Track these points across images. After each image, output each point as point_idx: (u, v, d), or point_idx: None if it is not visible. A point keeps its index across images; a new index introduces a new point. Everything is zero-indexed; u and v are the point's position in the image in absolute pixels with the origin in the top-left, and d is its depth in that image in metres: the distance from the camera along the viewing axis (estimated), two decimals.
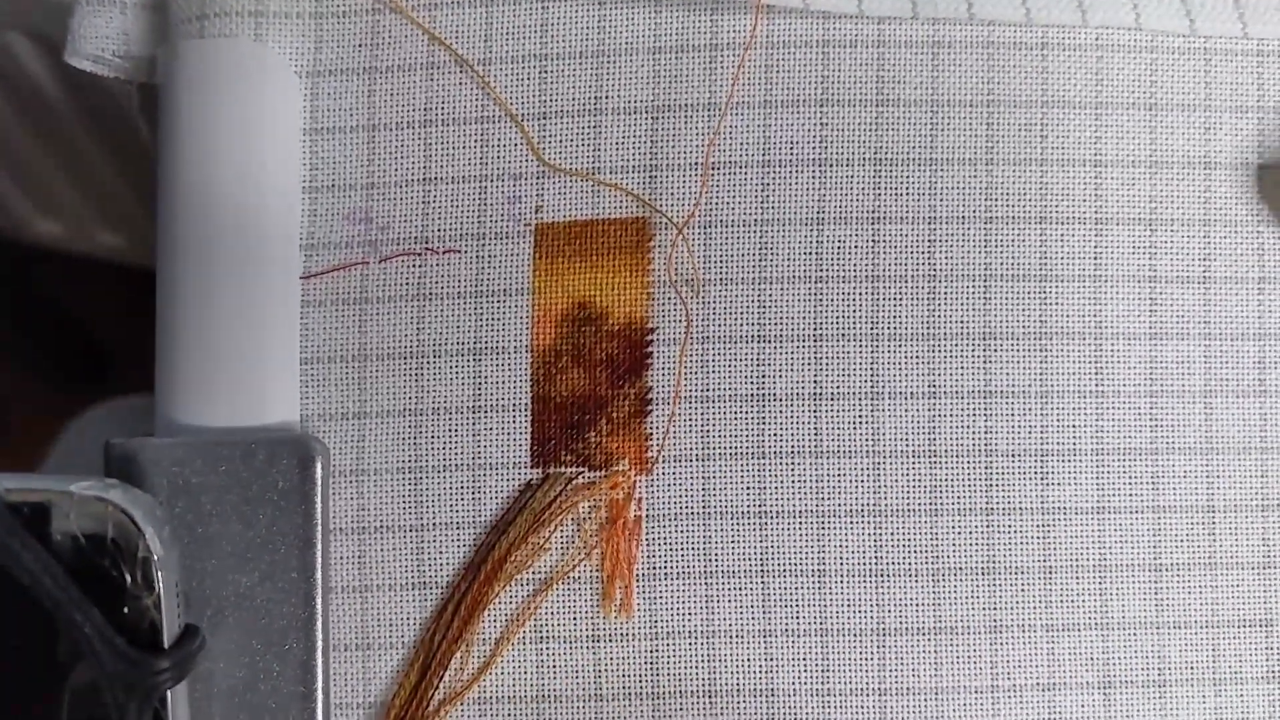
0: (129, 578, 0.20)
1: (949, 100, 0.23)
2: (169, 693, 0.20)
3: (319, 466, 0.22)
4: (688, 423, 0.23)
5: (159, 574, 0.20)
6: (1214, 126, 0.24)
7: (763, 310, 0.23)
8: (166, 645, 0.20)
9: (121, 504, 0.20)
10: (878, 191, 0.23)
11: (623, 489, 0.23)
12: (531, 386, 0.23)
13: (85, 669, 0.20)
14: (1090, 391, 0.23)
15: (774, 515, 0.23)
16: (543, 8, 0.23)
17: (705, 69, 0.23)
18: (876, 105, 0.23)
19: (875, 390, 0.23)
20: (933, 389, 0.23)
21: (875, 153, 0.23)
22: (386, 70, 0.23)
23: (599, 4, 0.23)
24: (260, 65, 0.23)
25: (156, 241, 0.23)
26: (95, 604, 0.20)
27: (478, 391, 0.23)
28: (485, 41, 0.23)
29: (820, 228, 0.23)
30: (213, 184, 0.22)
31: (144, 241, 0.95)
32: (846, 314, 0.23)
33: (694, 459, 0.23)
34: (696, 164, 0.23)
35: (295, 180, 0.23)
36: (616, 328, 0.23)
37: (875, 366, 0.23)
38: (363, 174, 0.23)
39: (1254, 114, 0.24)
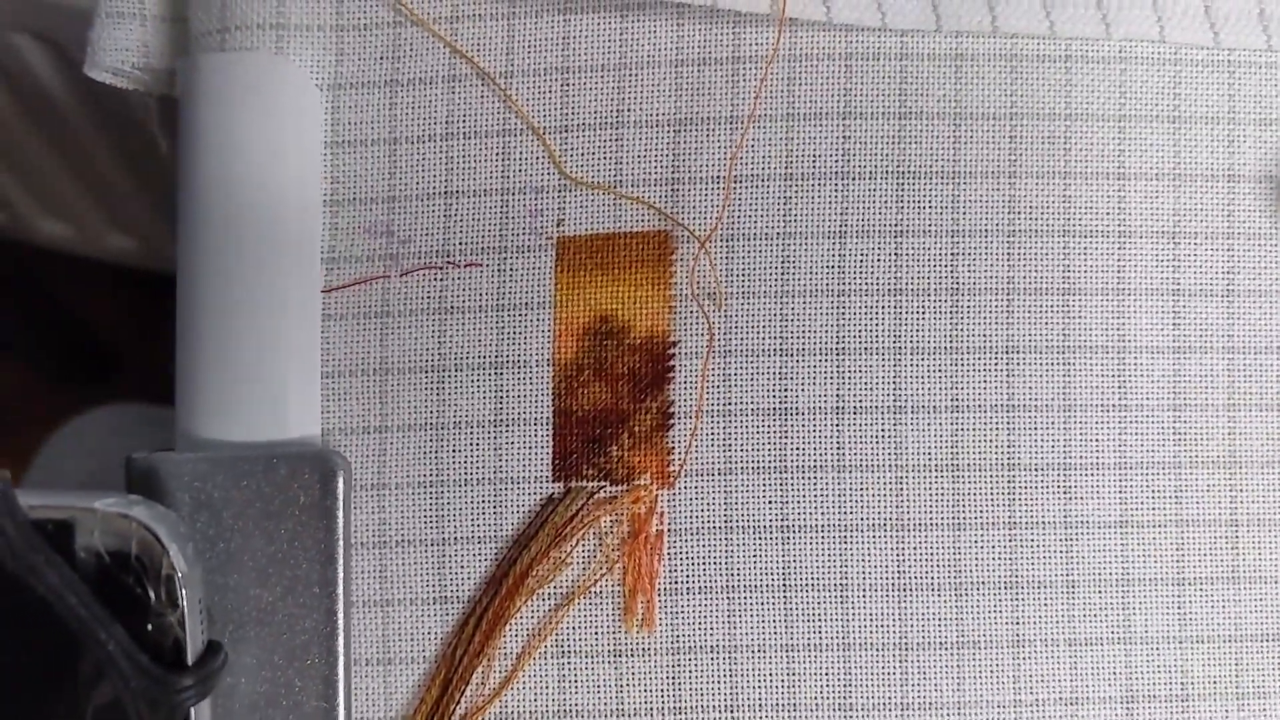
0: (153, 595, 0.20)
1: (972, 113, 0.23)
2: (192, 710, 0.20)
3: (340, 481, 0.22)
4: (710, 437, 0.23)
5: (183, 591, 0.20)
6: (1238, 139, 0.24)
7: (785, 324, 0.23)
8: (190, 662, 0.20)
9: (145, 521, 0.20)
10: (900, 205, 0.23)
11: (645, 503, 0.23)
12: (553, 400, 0.23)
13: (109, 687, 0.20)
14: (1113, 406, 0.23)
15: (796, 530, 0.23)
16: (564, 21, 0.23)
17: (728, 82, 0.23)
18: (899, 118, 0.23)
19: (898, 404, 0.23)
20: (955, 403, 0.23)
21: (898, 166, 0.23)
22: (408, 83, 0.23)
23: (621, 17, 0.23)
24: (281, 78, 0.23)
25: (177, 255, 0.23)
26: (119, 621, 0.19)
27: (499, 405, 0.23)
28: (507, 54, 0.23)
29: (843, 241, 0.23)
30: (233, 197, 0.22)
31: (151, 244, 0.95)
32: (869, 328, 0.23)
33: (716, 473, 0.23)
34: (719, 177, 0.23)
35: (316, 194, 0.23)
36: (638, 341, 0.23)
37: (898, 380, 0.23)
38: (384, 187, 0.23)
39: (1278, 127, 0.24)
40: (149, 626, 0.20)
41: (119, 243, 0.94)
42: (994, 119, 0.23)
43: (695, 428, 0.23)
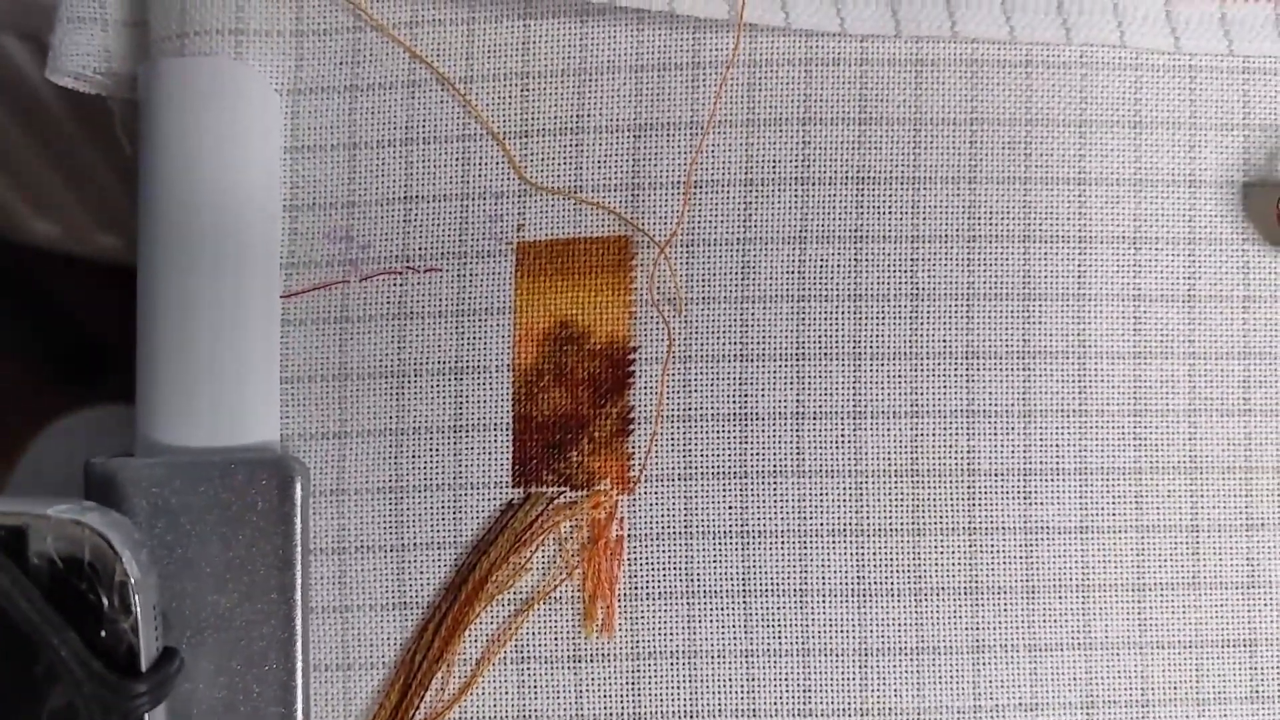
0: (106, 601, 0.20)
1: (932, 118, 0.23)
2: (146, 716, 0.20)
3: (298, 487, 0.22)
4: (670, 442, 0.23)
5: (136, 597, 0.20)
6: (1199, 144, 0.24)
7: (745, 329, 0.23)
8: (144, 668, 0.20)
9: (98, 527, 0.20)
10: (860, 210, 0.23)
11: (604, 508, 0.23)
12: (513, 406, 0.23)
13: (62, 692, 0.20)
14: (1074, 410, 0.23)
15: (756, 535, 0.23)
16: (524, 26, 0.23)
17: (688, 87, 0.23)
18: (859, 123, 0.23)
19: (858, 409, 0.23)
20: (915, 408, 0.23)
21: (858, 171, 0.23)
22: (368, 88, 0.23)
23: (580, 22, 0.23)
24: (241, 83, 0.23)
25: (138, 258, 0.23)
26: (72, 627, 0.19)
27: (458, 411, 0.23)
28: (467, 59, 0.23)
29: (803, 246, 0.23)
30: (193, 202, 0.22)
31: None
32: (829, 333, 0.23)
33: (676, 478, 0.23)
34: (679, 182, 0.23)
35: (276, 198, 0.23)
36: (598, 347, 0.23)
37: (858, 385, 0.23)
38: (344, 192, 0.23)
39: (1239, 131, 0.24)
40: (102, 633, 0.20)
41: (108, 241, 0.94)
42: (954, 124, 0.23)
43: (655, 433, 0.23)
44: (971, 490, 0.23)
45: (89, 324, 1.04)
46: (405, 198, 0.23)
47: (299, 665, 0.22)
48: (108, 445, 0.51)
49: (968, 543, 0.23)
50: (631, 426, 0.23)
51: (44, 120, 0.79)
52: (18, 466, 0.55)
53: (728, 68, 0.23)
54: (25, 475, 0.56)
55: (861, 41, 0.23)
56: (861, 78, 0.23)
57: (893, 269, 0.23)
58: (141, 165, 0.23)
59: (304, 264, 0.23)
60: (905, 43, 0.23)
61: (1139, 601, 0.23)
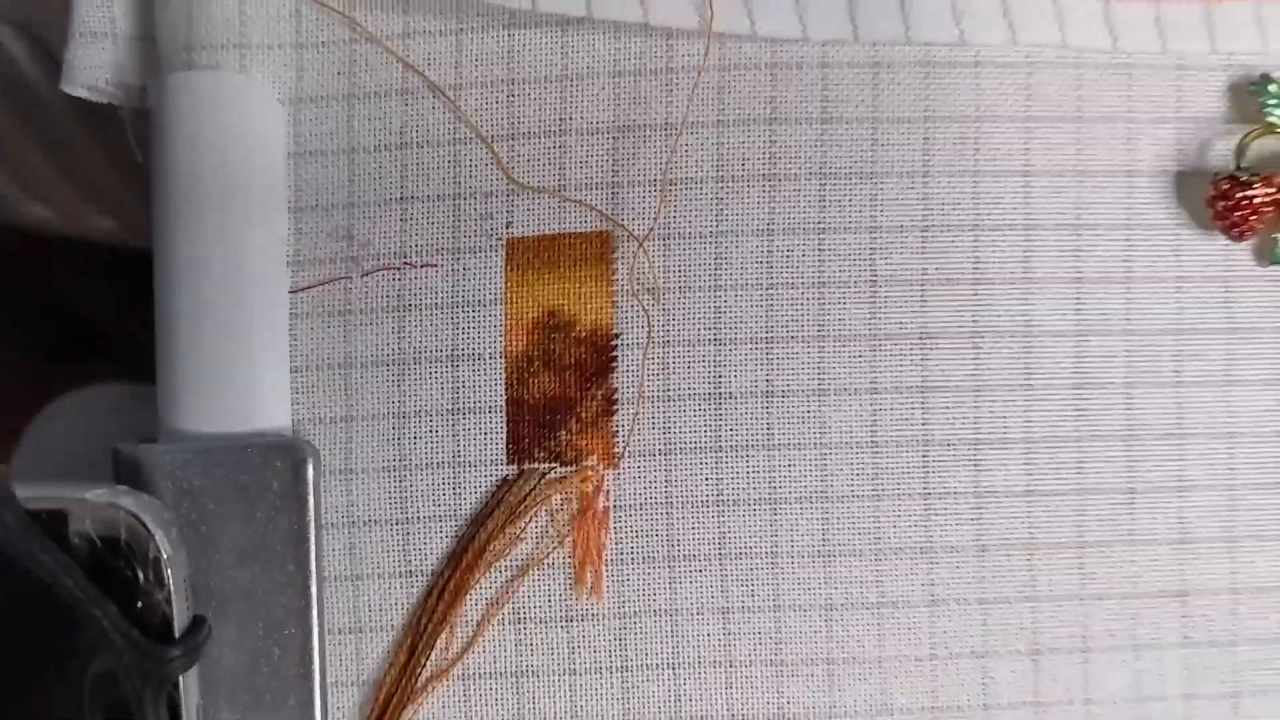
0: (141, 575, 0.22)
1: (889, 117, 0.25)
2: (181, 677, 0.22)
3: (310, 467, 0.24)
4: (651, 420, 0.25)
5: (168, 571, 0.22)
6: (1136, 137, 0.26)
7: (718, 315, 0.25)
8: (177, 635, 0.22)
9: (132, 509, 0.22)
10: (823, 204, 0.25)
11: (592, 482, 0.25)
12: (506, 390, 0.25)
13: (104, 659, 0.22)
14: (1020, 385, 0.25)
15: (730, 504, 0.25)
16: (509, 35, 0.25)
17: (663, 91, 0.25)
18: (821, 123, 0.25)
19: (822, 387, 0.25)
20: (874, 385, 0.25)
21: (821, 167, 0.25)
22: (364, 96, 0.25)
23: (561, 31, 0.25)
24: (246, 94, 0.24)
25: (154, 261, 0.25)
26: (112, 600, 0.22)
27: (455, 395, 0.25)
28: (456, 68, 0.25)
29: (771, 238, 0.25)
30: (203, 206, 0.24)
31: (132, 224, 0.96)
32: (795, 318, 0.25)
33: (657, 453, 0.25)
34: (655, 180, 0.25)
35: (281, 201, 0.25)
36: (584, 334, 0.25)
37: (822, 365, 0.25)
38: (344, 194, 0.25)
39: (1173, 125, 0.26)
40: (139, 604, 0.22)
41: (100, 223, 0.95)
42: (909, 122, 0.25)
43: (637, 413, 0.25)
44: (925, 459, 0.25)
45: (79, 305, 1.06)
46: (401, 198, 0.25)
47: (315, 630, 0.24)
48: (106, 423, 0.53)
49: (923, 507, 0.25)
50: (615, 407, 0.25)
51: (35, 108, 0.80)
52: (18, 448, 0.57)
53: (700, 72, 0.25)
54: (26, 456, 0.57)
55: (823, 46, 0.25)
56: (823, 80, 0.25)
57: (853, 258, 0.25)
58: (153, 173, 0.25)
59: (309, 262, 0.25)
60: (863, 47, 0.25)
61: (1080, 558, 0.25)
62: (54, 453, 0.52)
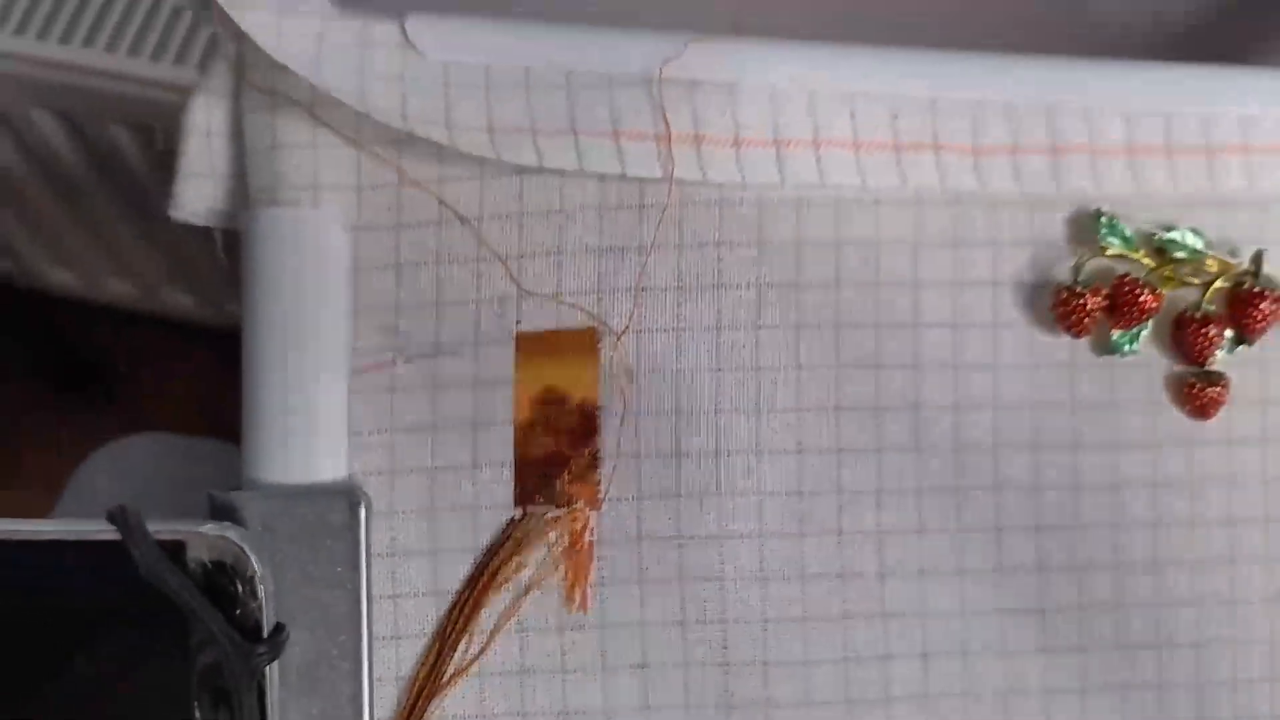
0: (240, 590, 0.29)
1: (809, 240, 0.33)
2: (266, 669, 0.29)
3: (362, 510, 0.31)
4: (626, 473, 0.32)
5: (260, 588, 0.29)
6: (999, 257, 0.33)
7: (678, 392, 0.33)
8: (265, 635, 0.29)
9: (236, 540, 0.29)
10: (759, 308, 0.33)
11: (580, 521, 0.32)
12: (514, 449, 0.32)
13: (211, 653, 0.29)
14: (911, 448, 0.33)
15: (688, 539, 0.32)
16: (520, 180, 0.32)
17: (636, 222, 0.33)
18: (758, 245, 0.33)
19: (759, 449, 0.33)
20: (800, 447, 0.33)
21: (756, 279, 0.33)
22: (408, 226, 0.32)
23: (560, 178, 0.32)
24: (318, 225, 0.32)
25: (242, 350, 0.32)
26: (218, 609, 0.29)
27: (475, 454, 0.32)
28: (479, 204, 0.33)
29: (718, 334, 0.33)
30: (285, 310, 0.32)
31: (150, 288, 1.03)
32: (738, 395, 0.33)
33: (631, 499, 0.32)
34: (630, 288, 0.33)
35: (344, 305, 0.32)
36: (574, 406, 0.33)
37: (759, 432, 0.33)
38: (391, 300, 0.32)
39: (1029, 247, 0.33)
40: (238, 612, 0.29)
41: (120, 288, 1.02)
42: (825, 245, 0.33)
43: (616, 467, 0.32)
44: (839, 505, 0.33)
45: (93, 356, 1.12)
46: (436, 303, 0.32)
47: (364, 637, 0.31)
48: (150, 469, 0.61)
49: (836, 541, 0.33)
50: (599, 462, 0.32)
51: (67, 182, 0.88)
52: (67, 489, 0.64)
53: (664, 209, 0.33)
54: (73, 498, 0.64)
55: (759, 189, 0.33)
56: (759, 213, 0.33)
57: (782, 349, 0.33)
58: (245, 284, 0.32)
59: (365, 350, 0.32)
60: (789, 189, 0.33)
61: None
62: (102, 495, 0.59)
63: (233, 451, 0.34)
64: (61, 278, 1.00)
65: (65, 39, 0.73)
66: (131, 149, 0.78)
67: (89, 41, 0.72)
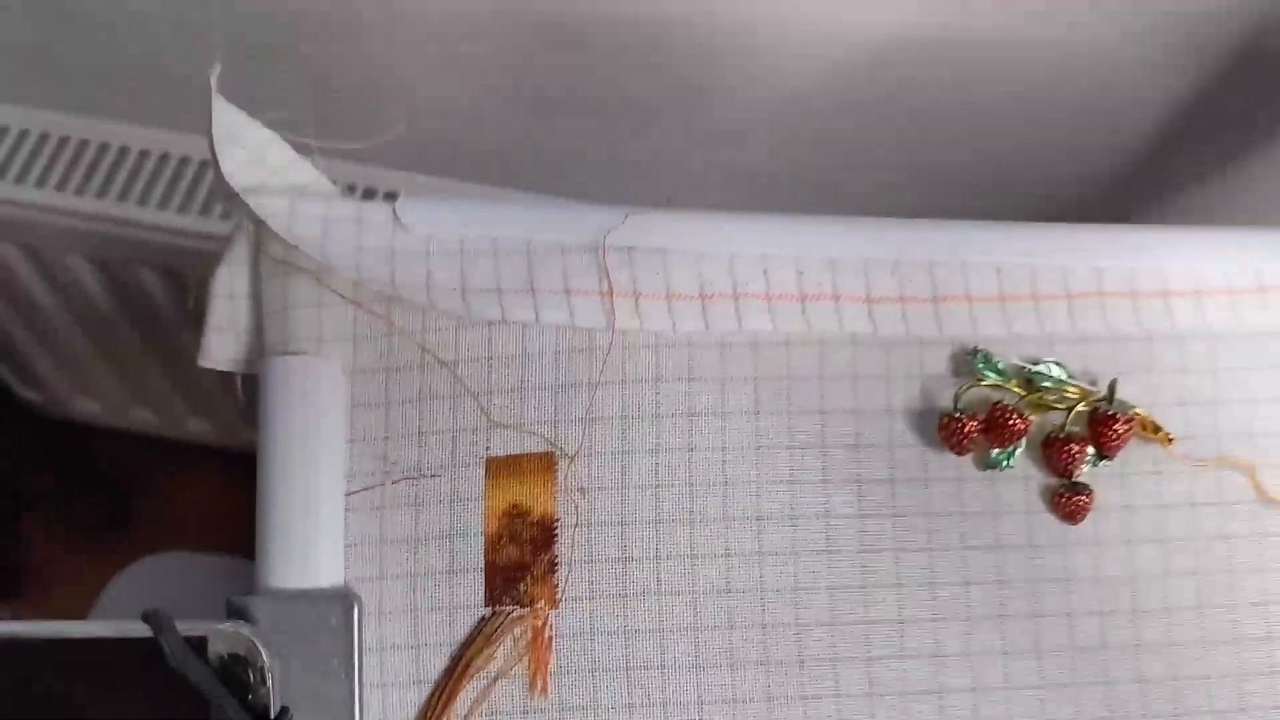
0: (253, 679, 0.35)
1: (732, 376, 0.39)
2: None
3: (355, 610, 0.37)
4: (580, 577, 0.38)
5: (269, 677, 0.35)
6: (893, 388, 0.40)
7: (624, 506, 0.39)
8: (273, 718, 0.35)
9: (250, 636, 0.35)
10: (691, 432, 0.39)
11: (541, 619, 0.38)
12: (485, 556, 0.38)
13: None
14: (823, 550, 0.38)
15: (634, 632, 0.38)
16: (489, 329, 0.39)
17: (586, 362, 0.39)
18: (688, 381, 0.39)
19: (693, 554, 0.38)
20: (727, 551, 0.38)
21: (689, 409, 0.39)
22: (396, 369, 0.39)
23: (522, 329, 0.39)
24: (321, 370, 0.38)
25: (257, 475, 0.38)
26: (233, 694, 0.34)
27: (452, 561, 0.38)
28: (455, 349, 0.39)
29: (657, 455, 0.39)
30: (293, 441, 0.38)
31: (170, 416, 1.09)
32: (675, 507, 0.38)
33: (584, 599, 0.38)
34: (582, 419, 0.39)
35: (342, 436, 0.39)
36: (535, 519, 0.39)
37: (693, 539, 0.38)
38: (381, 431, 0.39)
39: (918, 379, 0.40)
40: (250, 697, 0.35)
41: (141, 416, 1.09)
42: (744, 380, 0.39)
43: (571, 572, 0.38)
44: (763, 600, 0.38)
45: (114, 480, 1.18)
46: (419, 432, 0.39)
47: (356, 717, 0.37)
48: (170, 584, 0.67)
49: (761, 635, 0.38)
50: (556, 567, 0.38)
51: (97, 320, 0.95)
52: (98, 603, 0.70)
53: (608, 352, 0.39)
54: (104, 611, 0.70)
55: (689, 334, 0.39)
56: (689, 355, 0.39)
57: (710, 465, 0.39)
58: (260, 420, 0.38)
59: (358, 474, 0.39)
60: (713, 334, 0.39)
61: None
62: (130, 608, 0.64)
63: (242, 565, 0.40)
64: (87, 406, 1.07)
65: (101, 194, 0.81)
66: (158, 289, 0.86)
67: (123, 196, 0.81)
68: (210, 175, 0.82)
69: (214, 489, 1.15)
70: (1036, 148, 0.76)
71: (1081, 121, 0.74)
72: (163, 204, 0.80)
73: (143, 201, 0.81)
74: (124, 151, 0.82)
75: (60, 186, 0.81)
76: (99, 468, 1.14)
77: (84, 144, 0.83)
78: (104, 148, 0.83)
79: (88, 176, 0.82)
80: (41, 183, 0.81)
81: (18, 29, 0.81)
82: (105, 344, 0.95)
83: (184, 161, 0.82)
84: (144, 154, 0.82)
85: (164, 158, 0.82)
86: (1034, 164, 0.77)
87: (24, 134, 0.83)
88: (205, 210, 0.79)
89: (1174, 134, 0.75)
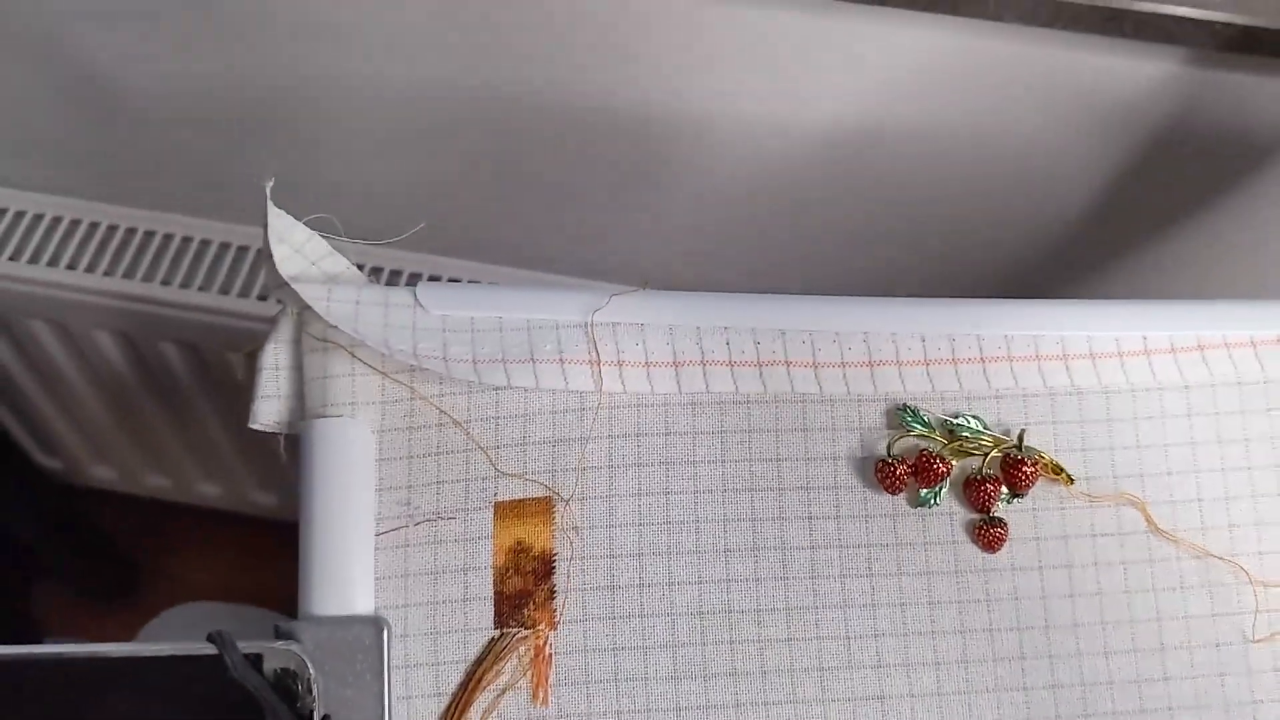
0: (301, 689, 0.41)
1: (701, 430, 0.46)
2: None
3: (385, 634, 0.44)
4: (575, 602, 0.45)
5: (315, 688, 0.41)
6: (836, 438, 0.47)
7: (612, 541, 0.46)
8: None
9: (300, 653, 0.41)
10: (667, 479, 0.46)
11: (542, 639, 0.45)
12: (494, 586, 0.45)
13: None
14: (779, 584, 0.46)
15: (621, 649, 0.45)
16: (496, 394, 0.46)
17: (577, 420, 0.46)
18: (665, 435, 0.46)
19: (670, 582, 0.45)
20: (700, 579, 0.45)
21: (665, 459, 0.46)
22: (417, 428, 0.46)
23: (524, 392, 0.46)
24: (354, 431, 0.46)
25: (300, 519, 0.45)
26: (285, 703, 0.41)
27: (466, 591, 0.45)
28: (468, 411, 0.46)
29: (639, 499, 0.46)
30: (330, 491, 0.45)
31: (183, 481, 1.16)
32: (654, 542, 0.46)
33: (578, 621, 0.45)
34: (575, 468, 0.46)
35: (371, 485, 0.46)
36: (537, 554, 0.45)
37: (670, 569, 0.45)
38: (405, 480, 0.46)
39: (858, 431, 0.47)
40: (298, 704, 0.41)
41: (157, 482, 1.15)
42: (712, 434, 0.46)
43: (567, 598, 0.45)
44: (732, 633, 0.45)
45: (126, 552, 1.24)
46: (438, 481, 0.46)
47: None
48: (198, 628, 0.73)
49: (729, 649, 0.45)
50: (556, 595, 0.45)
51: (119, 389, 1.02)
52: (137, 637, 0.76)
53: (596, 410, 0.46)
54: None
55: (665, 395, 0.47)
56: (665, 413, 0.47)
57: (685, 508, 0.46)
58: (301, 473, 0.45)
59: (385, 517, 0.46)
60: (684, 395, 0.47)
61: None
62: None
63: (256, 612, 0.46)
64: (103, 473, 1.13)
65: (128, 274, 0.88)
66: (176, 361, 0.93)
67: (148, 276, 0.88)
68: (224, 256, 0.89)
69: (221, 554, 1.21)
70: (976, 222, 0.84)
71: (1016, 200, 0.83)
72: (185, 283, 0.88)
73: (166, 281, 0.88)
74: (149, 235, 0.90)
75: (90, 268, 0.89)
76: (110, 534, 1.19)
77: (112, 229, 0.91)
78: (130, 232, 0.90)
79: (114, 258, 0.90)
80: (73, 265, 0.88)
81: (47, 124, 0.89)
82: (124, 412, 1.02)
83: (204, 244, 0.89)
84: (168, 237, 0.90)
85: (186, 241, 0.90)
86: (974, 237, 0.85)
87: (56, 220, 0.91)
88: (225, 289, 0.87)
89: (1104, 210, 0.83)
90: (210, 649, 0.41)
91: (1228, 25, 0.66)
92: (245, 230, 0.90)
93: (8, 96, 0.88)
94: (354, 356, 0.46)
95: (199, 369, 0.93)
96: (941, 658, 0.46)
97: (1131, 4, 0.65)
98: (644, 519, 0.46)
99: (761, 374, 0.47)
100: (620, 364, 0.46)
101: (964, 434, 0.47)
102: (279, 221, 0.46)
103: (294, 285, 0.46)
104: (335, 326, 0.45)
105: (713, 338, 0.47)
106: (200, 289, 0.87)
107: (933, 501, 0.47)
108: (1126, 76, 0.72)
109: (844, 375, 0.47)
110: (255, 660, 0.41)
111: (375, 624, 0.44)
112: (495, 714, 0.44)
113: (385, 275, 0.90)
